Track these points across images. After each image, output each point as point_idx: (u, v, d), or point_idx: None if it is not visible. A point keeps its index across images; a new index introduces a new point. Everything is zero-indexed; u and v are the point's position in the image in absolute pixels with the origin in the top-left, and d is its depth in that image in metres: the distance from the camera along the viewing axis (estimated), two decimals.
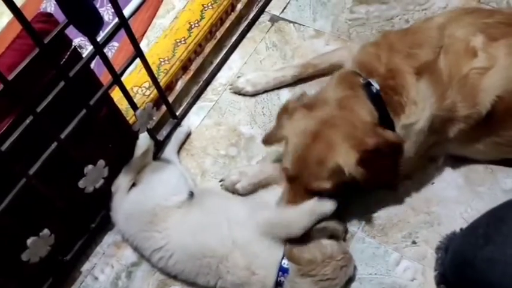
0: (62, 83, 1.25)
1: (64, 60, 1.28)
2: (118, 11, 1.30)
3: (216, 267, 1.41)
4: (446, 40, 1.39)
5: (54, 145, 1.29)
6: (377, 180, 1.38)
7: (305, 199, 1.39)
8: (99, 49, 1.30)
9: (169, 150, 1.71)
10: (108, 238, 1.63)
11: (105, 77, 1.49)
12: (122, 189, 1.55)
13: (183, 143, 1.76)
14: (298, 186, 1.40)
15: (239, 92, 1.83)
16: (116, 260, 1.59)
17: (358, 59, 1.47)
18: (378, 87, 1.37)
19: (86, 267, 1.59)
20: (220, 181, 1.65)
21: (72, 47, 1.31)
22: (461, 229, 1.37)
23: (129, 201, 1.53)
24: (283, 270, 1.37)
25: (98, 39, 1.29)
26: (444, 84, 1.36)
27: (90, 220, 1.60)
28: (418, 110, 1.37)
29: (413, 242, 1.50)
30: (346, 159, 1.32)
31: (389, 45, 1.42)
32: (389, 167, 1.39)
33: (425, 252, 1.47)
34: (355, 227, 1.54)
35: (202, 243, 1.42)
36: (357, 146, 1.31)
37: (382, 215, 1.55)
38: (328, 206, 1.39)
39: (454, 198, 1.54)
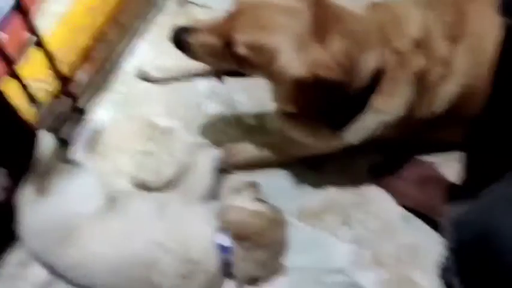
0: None
1: None
2: None
3: (147, 276, 1.27)
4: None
5: None
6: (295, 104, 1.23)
7: (218, 40, 1.20)
8: None
9: (78, 150, 1.52)
10: (13, 257, 1.40)
11: None
12: (28, 200, 1.34)
13: (93, 141, 1.57)
14: (226, 24, 1.19)
15: (147, 79, 1.68)
16: (23, 281, 1.38)
17: (375, 18, 1.28)
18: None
19: None
20: (131, 178, 1.51)
21: None
22: (463, 200, 1.26)
23: (38, 213, 1.33)
24: (224, 250, 1.30)
25: None
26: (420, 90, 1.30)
27: None
28: (391, 103, 1.28)
29: (346, 224, 1.48)
30: (289, 62, 1.12)
31: (406, 17, 1.30)
32: (318, 107, 1.23)
33: (360, 233, 1.47)
34: (288, 215, 1.47)
35: (125, 253, 1.28)
36: (316, 66, 1.11)
37: (312, 200, 1.51)
38: (214, 152, 1.45)
39: None
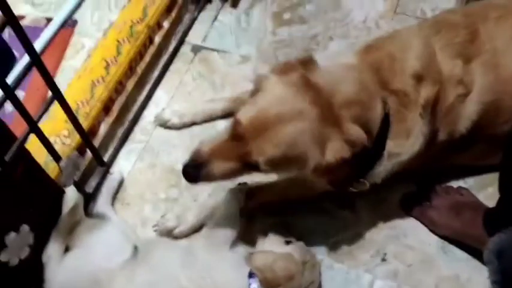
0: None
1: None
2: (28, 46, 1.11)
3: None
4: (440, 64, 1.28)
5: None
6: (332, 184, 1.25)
7: (235, 163, 1.16)
8: (10, 93, 1.09)
9: (102, 203, 1.50)
10: None
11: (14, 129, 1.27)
12: (55, 257, 1.31)
13: (116, 192, 1.56)
14: (237, 148, 1.15)
15: (165, 125, 1.67)
16: None
17: (367, 60, 1.27)
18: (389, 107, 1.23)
19: None
20: (154, 226, 1.48)
21: None
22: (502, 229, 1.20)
23: (65, 269, 1.30)
24: None
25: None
26: (439, 121, 1.28)
27: None
28: (407, 144, 1.26)
29: (383, 260, 1.42)
30: (310, 162, 1.14)
31: (399, 52, 1.28)
32: (348, 174, 1.23)
33: (397, 268, 1.41)
34: (321, 254, 1.43)
35: None
36: (335, 152, 1.13)
37: (345, 238, 1.46)
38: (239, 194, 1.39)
39: None
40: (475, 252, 1.37)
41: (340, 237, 1.46)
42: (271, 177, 1.42)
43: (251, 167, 1.17)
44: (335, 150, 1.13)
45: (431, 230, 1.44)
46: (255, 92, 1.21)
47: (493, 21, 1.33)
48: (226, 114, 1.67)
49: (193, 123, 1.69)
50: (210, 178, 1.20)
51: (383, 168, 1.28)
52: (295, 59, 1.22)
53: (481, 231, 1.31)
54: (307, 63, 1.20)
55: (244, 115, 1.15)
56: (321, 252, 1.43)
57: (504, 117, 1.30)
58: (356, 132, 1.14)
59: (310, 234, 1.45)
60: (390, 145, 1.25)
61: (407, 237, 1.45)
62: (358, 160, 1.17)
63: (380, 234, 1.46)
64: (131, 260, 1.32)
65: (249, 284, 1.25)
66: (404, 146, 1.25)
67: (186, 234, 1.46)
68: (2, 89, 1.08)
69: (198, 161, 1.19)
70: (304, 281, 1.28)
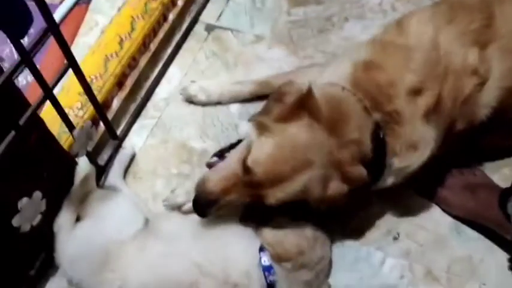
0: None
1: None
2: (46, 13, 1.11)
3: None
4: (444, 60, 1.26)
5: None
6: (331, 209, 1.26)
7: (244, 198, 1.22)
8: (26, 57, 1.09)
9: (114, 176, 1.51)
10: (51, 286, 1.37)
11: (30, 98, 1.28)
12: (66, 226, 1.32)
13: (128, 166, 1.56)
14: (248, 188, 1.20)
15: (190, 99, 1.67)
16: None
17: (360, 83, 1.25)
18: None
19: None
20: (164, 201, 1.47)
21: None
22: None
23: (76, 239, 1.31)
24: (267, 270, 1.23)
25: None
26: (448, 112, 1.26)
27: (28, 266, 1.34)
28: (415, 156, 1.25)
29: (395, 239, 1.41)
30: (316, 195, 1.20)
31: (392, 68, 1.25)
32: (350, 201, 1.26)
33: (409, 247, 1.39)
34: (332, 231, 1.42)
35: (165, 277, 1.23)
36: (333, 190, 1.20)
37: (357, 216, 1.45)
38: None
39: None
40: (488, 233, 1.36)
41: (352, 215, 1.45)
42: None
43: (261, 201, 1.22)
44: (334, 189, 1.20)
45: (444, 210, 1.43)
46: (258, 134, 1.22)
47: (508, 2, 1.31)
48: (252, 97, 1.67)
49: (218, 103, 1.68)
50: (219, 211, 1.25)
51: (392, 178, 1.30)
52: (293, 98, 1.21)
53: (496, 212, 1.29)
54: (306, 102, 1.19)
55: (257, 165, 1.18)
56: (331, 230, 1.42)
57: None
58: (356, 171, 1.19)
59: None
60: (395, 162, 1.25)
61: (420, 217, 1.44)
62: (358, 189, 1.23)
63: (392, 213, 1.45)
64: (142, 231, 1.32)
65: (260, 258, 1.25)
66: (411, 158, 1.25)
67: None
68: (18, 52, 1.07)
69: (209, 198, 1.22)
70: (315, 256, 1.27)
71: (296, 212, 1.31)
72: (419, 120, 1.23)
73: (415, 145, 1.25)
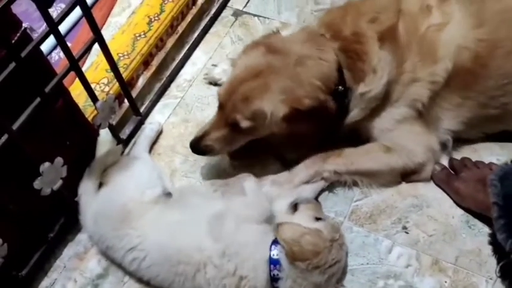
0: (12, 65, 1.09)
1: (14, 41, 1.13)
2: None
3: (193, 276, 1.25)
4: (403, 2, 1.38)
5: (5, 137, 1.13)
6: (294, 140, 1.39)
7: (225, 129, 1.38)
8: (54, 27, 1.16)
9: (139, 149, 1.56)
10: (69, 250, 1.45)
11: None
12: (89, 190, 1.39)
13: (154, 142, 1.61)
14: (223, 115, 1.38)
15: (214, 82, 1.72)
16: (79, 273, 1.41)
17: (325, 21, 1.44)
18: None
19: (44, 284, 1.40)
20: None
21: (23, 28, 1.17)
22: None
23: (99, 200, 1.38)
24: (274, 263, 1.23)
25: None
26: (403, 48, 1.35)
27: (48, 229, 1.42)
28: (375, 79, 1.35)
29: (404, 228, 1.41)
30: (273, 108, 1.31)
31: (355, 8, 1.40)
32: (312, 130, 1.37)
33: (418, 237, 1.39)
34: (341, 216, 1.44)
35: (178, 247, 1.27)
36: (290, 101, 1.30)
37: (368, 202, 1.46)
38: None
39: None
40: None
41: (362, 201, 1.46)
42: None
43: (236, 128, 1.36)
44: (291, 101, 1.30)
45: (455, 202, 1.42)
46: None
47: None
48: None
49: None
50: (211, 148, 1.42)
51: (358, 108, 1.39)
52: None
53: None
54: (270, 36, 1.44)
55: (221, 88, 1.40)
56: (341, 215, 1.44)
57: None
58: (310, 85, 1.31)
59: (332, 196, 1.47)
60: (361, 86, 1.36)
61: (430, 208, 1.43)
62: (322, 118, 1.33)
63: (403, 202, 1.45)
64: (164, 199, 1.37)
65: (271, 250, 1.25)
66: (373, 81, 1.34)
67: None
68: (46, 22, 1.14)
69: (198, 136, 1.43)
70: (330, 259, 1.23)
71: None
72: (376, 43, 1.33)
73: (374, 69, 1.34)
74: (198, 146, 1.42)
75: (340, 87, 1.35)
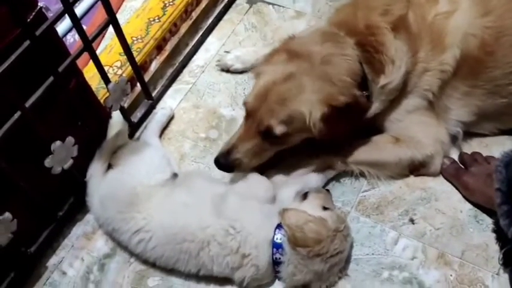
0: (27, 43, 1.11)
1: (29, 20, 1.14)
2: None
3: (197, 254, 1.28)
4: None
5: (17, 114, 1.15)
6: (332, 137, 1.34)
7: (256, 139, 1.33)
8: (69, 7, 1.17)
9: (150, 134, 1.57)
10: (77, 229, 1.47)
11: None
12: (98, 172, 1.41)
13: (165, 126, 1.63)
14: (252, 124, 1.33)
15: (226, 69, 1.73)
16: (86, 252, 1.43)
17: (335, 20, 1.42)
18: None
19: (52, 261, 1.42)
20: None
21: (38, 7, 1.18)
22: None
23: (107, 182, 1.39)
24: (277, 247, 1.24)
25: None
26: (415, 37, 1.34)
27: (58, 208, 1.44)
28: (395, 69, 1.34)
29: (411, 220, 1.41)
30: (311, 108, 1.28)
31: (365, 4, 1.38)
32: (349, 127, 1.35)
33: (424, 229, 1.39)
34: (348, 206, 1.44)
35: (182, 225, 1.29)
36: (326, 100, 1.27)
37: (375, 193, 1.46)
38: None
39: None
40: None
41: (370, 191, 1.46)
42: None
43: (269, 136, 1.31)
44: (327, 99, 1.27)
45: (464, 196, 1.41)
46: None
47: None
48: None
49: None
50: (240, 162, 1.35)
51: (379, 101, 1.38)
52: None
53: None
54: (287, 41, 1.41)
55: (248, 96, 1.35)
56: (348, 205, 1.44)
57: None
58: (344, 84, 1.29)
59: (340, 186, 1.47)
60: (382, 79, 1.34)
61: (438, 202, 1.43)
62: (356, 113, 1.32)
63: (411, 194, 1.44)
64: (171, 181, 1.39)
65: (274, 235, 1.26)
66: (393, 72, 1.33)
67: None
68: (62, 2, 1.15)
69: (225, 150, 1.36)
70: (333, 248, 1.24)
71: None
72: (390, 33, 1.32)
73: (392, 59, 1.33)
74: (226, 161, 1.35)
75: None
